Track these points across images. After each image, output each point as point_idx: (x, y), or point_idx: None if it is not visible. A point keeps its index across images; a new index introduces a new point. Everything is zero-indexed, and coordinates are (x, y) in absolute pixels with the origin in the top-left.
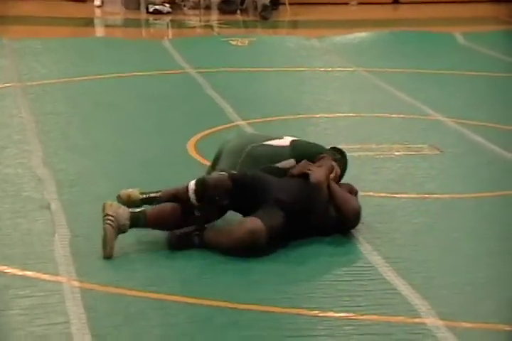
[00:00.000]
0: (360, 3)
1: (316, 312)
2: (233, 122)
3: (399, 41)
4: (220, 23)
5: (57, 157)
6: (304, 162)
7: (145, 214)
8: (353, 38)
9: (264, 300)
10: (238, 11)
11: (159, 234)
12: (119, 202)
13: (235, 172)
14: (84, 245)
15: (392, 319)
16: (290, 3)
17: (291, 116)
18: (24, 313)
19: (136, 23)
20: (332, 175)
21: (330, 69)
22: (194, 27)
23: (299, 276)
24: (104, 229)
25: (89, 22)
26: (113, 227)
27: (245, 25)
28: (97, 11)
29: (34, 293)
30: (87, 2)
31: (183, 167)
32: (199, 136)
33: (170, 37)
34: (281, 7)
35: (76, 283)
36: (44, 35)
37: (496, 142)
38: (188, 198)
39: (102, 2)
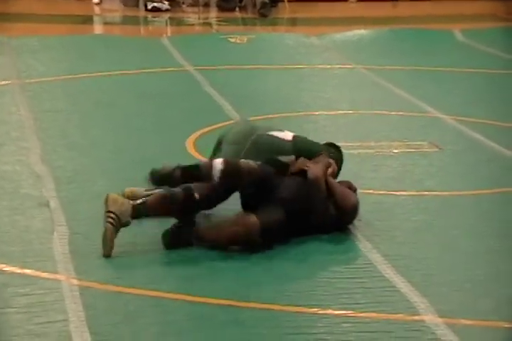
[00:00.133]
0: (359, 1)
1: (316, 309)
2: (232, 120)
3: (398, 38)
4: (218, 21)
5: (56, 154)
6: (301, 159)
7: (146, 204)
8: (352, 36)
9: (263, 297)
10: (237, 9)
11: (158, 233)
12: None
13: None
14: (83, 243)
15: (392, 316)
16: (289, 1)
17: (290, 114)
18: (23, 311)
19: (134, 21)
20: (330, 170)
21: (329, 66)
22: (193, 24)
23: (298, 274)
24: (105, 228)
25: (87, 19)
26: (114, 226)
27: (244, 22)
28: (96, 9)
29: (33, 291)
30: None
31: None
32: (198, 133)
33: (169, 34)
34: (280, 4)
35: (75, 281)
36: (42, 32)
37: (495, 139)
38: (209, 175)
39: None
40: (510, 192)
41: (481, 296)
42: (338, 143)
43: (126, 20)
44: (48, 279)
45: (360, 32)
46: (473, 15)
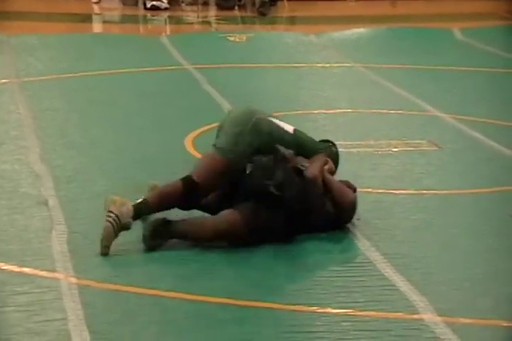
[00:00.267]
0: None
1: (315, 308)
2: None
3: (397, 37)
4: (218, 19)
5: (55, 153)
6: (300, 158)
7: (147, 202)
8: (350, 34)
9: (262, 296)
10: (236, 7)
11: None
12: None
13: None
14: (82, 242)
15: (391, 315)
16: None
17: (289, 112)
18: (21, 310)
19: (133, 19)
20: (327, 167)
21: (328, 65)
22: (192, 23)
23: (297, 273)
24: (104, 227)
25: (86, 18)
26: (113, 226)
27: (243, 21)
28: (95, 7)
29: (31, 290)
30: None
31: (181, 163)
32: (197, 132)
33: (168, 33)
34: (279, 3)
35: (73, 280)
36: (41, 31)
37: (494, 138)
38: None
39: None
40: (510, 191)
41: (480, 295)
42: (337, 142)
43: (125, 19)
44: (46, 278)
45: (359, 30)
46: (473, 13)
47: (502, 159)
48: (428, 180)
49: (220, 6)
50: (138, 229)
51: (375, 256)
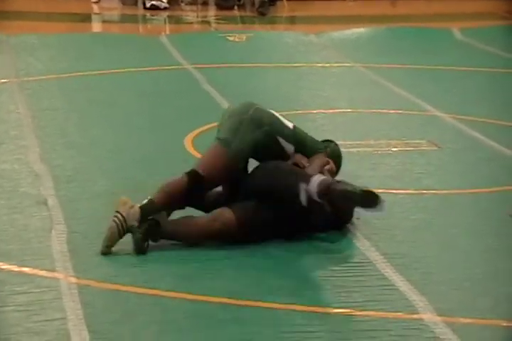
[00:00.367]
0: None
1: (315, 308)
2: None
3: (396, 37)
4: (217, 19)
5: (55, 153)
6: (299, 156)
7: (153, 202)
8: (350, 34)
9: (261, 296)
10: (236, 7)
11: None
12: None
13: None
14: (81, 241)
15: (390, 315)
16: None
17: (289, 112)
18: (21, 309)
19: (133, 19)
20: (327, 168)
21: (327, 64)
22: (191, 23)
23: (296, 272)
24: (109, 227)
25: (86, 18)
26: (118, 226)
27: (243, 20)
28: (94, 7)
29: (31, 289)
30: None
31: (181, 163)
32: (196, 132)
33: (167, 33)
34: (278, 3)
35: (73, 279)
36: (41, 30)
37: (494, 138)
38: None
39: None
40: (510, 191)
41: (479, 295)
42: (336, 142)
43: (125, 19)
44: (46, 277)
45: (359, 30)
46: (473, 13)
47: (502, 159)
48: (428, 180)
49: (220, 6)
50: None
51: (374, 255)
